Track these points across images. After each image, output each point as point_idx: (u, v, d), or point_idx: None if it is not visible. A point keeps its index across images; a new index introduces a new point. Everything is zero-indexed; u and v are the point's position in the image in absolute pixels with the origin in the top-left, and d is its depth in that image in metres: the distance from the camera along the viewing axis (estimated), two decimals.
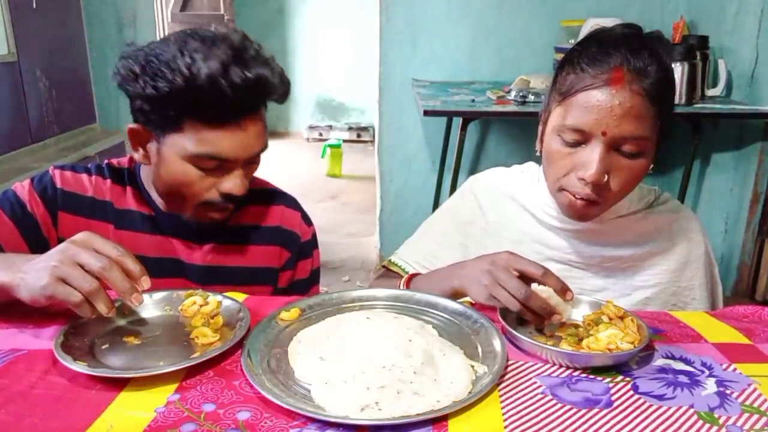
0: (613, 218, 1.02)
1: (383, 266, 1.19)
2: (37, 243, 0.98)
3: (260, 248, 1.10)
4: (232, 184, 0.95)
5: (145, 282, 0.75)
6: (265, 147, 0.99)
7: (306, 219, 1.16)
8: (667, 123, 0.93)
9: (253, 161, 0.99)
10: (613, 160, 0.90)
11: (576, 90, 0.90)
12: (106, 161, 1.08)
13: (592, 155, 0.89)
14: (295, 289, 1.14)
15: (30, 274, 0.73)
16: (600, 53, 0.90)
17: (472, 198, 1.14)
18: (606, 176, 0.89)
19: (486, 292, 0.85)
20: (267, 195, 1.14)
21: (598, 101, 0.87)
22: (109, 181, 1.05)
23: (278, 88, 0.95)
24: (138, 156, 1.00)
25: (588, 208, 0.93)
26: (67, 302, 0.71)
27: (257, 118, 0.95)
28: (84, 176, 1.04)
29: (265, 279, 1.11)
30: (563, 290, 0.83)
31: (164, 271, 1.03)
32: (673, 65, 2.33)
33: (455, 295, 0.92)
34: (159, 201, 1.04)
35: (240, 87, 0.88)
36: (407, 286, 1.02)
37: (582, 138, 0.90)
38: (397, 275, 1.11)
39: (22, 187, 1.00)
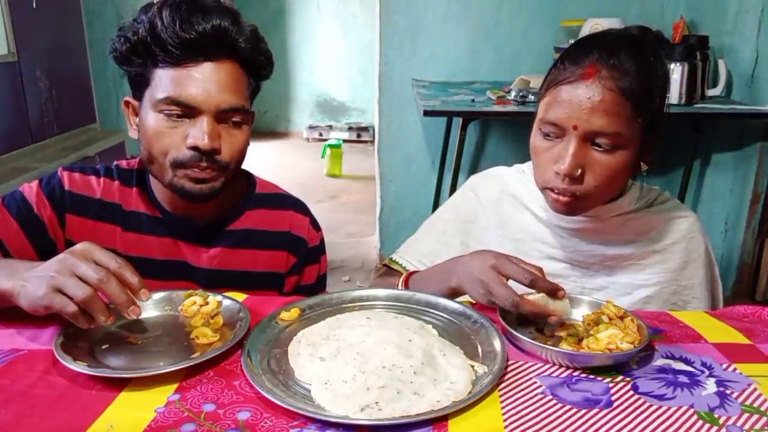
0: (613, 217, 1.02)
1: (384, 265, 1.19)
2: (44, 245, 0.98)
3: (267, 253, 1.09)
4: (196, 132, 0.91)
5: (144, 294, 0.74)
6: (241, 108, 0.95)
7: (314, 224, 1.15)
8: (653, 121, 0.93)
9: (224, 118, 0.94)
10: (588, 155, 0.91)
11: (554, 84, 0.93)
12: (115, 162, 1.08)
13: (566, 149, 0.91)
14: (301, 294, 1.13)
15: (30, 283, 0.73)
16: (579, 51, 0.92)
17: (473, 196, 1.15)
18: (579, 170, 0.91)
19: (484, 299, 0.86)
20: (276, 199, 1.13)
21: (571, 96, 0.90)
22: (117, 182, 1.04)
23: (238, 37, 0.94)
24: (132, 132, 1.00)
25: (570, 203, 0.94)
26: (64, 313, 0.71)
27: (222, 70, 0.93)
28: (92, 178, 1.04)
29: (270, 284, 1.10)
30: (554, 291, 0.82)
31: (171, 274, 1.03)
32: (673, 65, 2.33)
33: (454, 294, 0.92)
34: (167, 203, 1.04)
35: (191, 25, 0.90)
36: (406, 283, 1.03)
37: (558, 132, 0.92)
38: (398, 274, 1.11)
39: (29, 188, 1.00)
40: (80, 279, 0.71)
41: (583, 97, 0.89)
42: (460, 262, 0.92)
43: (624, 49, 0.90)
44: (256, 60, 0.99)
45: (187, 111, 0.92)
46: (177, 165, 0.93)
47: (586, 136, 0.90)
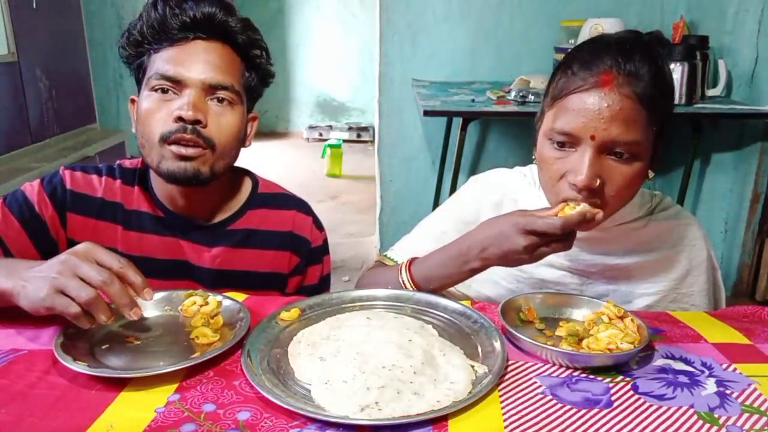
0: (614, 226, 1.00)
1: (377, 261, 1.18)
2: (45, 244, 0.98)
3: (270, 253, 1.09)
4: (180, 103, 0.93)
5: (147, 294, 0.74)
6: (229, 87, 0.96)
7: (317, 224, 1.15)
8: (664, 127, 0.91)
9: (211, 93, 0.95)
10: (605, 165, 0.87)
11: (565, 93, 0.89)
12: (117, 162, 1.08)
13: (582, 160, 0.86)
14: (303, 295, 1.13)
15: (31, 283, 0.73)
16: (590, 56, 0.88)
17: (473, 198, 1.13)
18: (598, 181, 0.87)
19: (530, 261, 0.86)
20: (279, 199, 1.13)
21: (587, 104, 0.86)
22: (119, 181, 1.05)
23: (228, 18, 0.96)
24: (134, 128, 1.00)
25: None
26: (65, 314, 0.71)
27: (212, 49, 0.96)
28: (94, 177, 1.04)
29: (273, 284, 1.10)
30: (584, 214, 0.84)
31: (172, 273, 1.03)
32: (673, 65, 2.31)
33: (474, 274, 0.92)
34: (168, 201, 1.04)
35: (183, 11, 0.94)
36: (409, 269, 0.98)
37: (571, 142, 0.88)
38: (392, 267, 1.09)
39: (31, 188, 1.00)
40: (83, 280, 0.71)
41: (601, 106, 0.85)
42: (476, 245, 0.89)
43: (637, 54, 0.87)
44: (249, 49, 1.00)
45: (175, 86, 0.94)
46: (163, 139, 0.93)
47: (603, 147, 0.86)
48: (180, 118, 0.92)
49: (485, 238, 0.89)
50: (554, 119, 0.90)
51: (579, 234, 0.98)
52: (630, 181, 0.89)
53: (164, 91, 0.94)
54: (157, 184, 1.04)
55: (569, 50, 0.95)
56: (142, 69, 0.98)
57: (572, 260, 1.02)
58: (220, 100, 0.96)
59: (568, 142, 0.89)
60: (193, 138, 0.93)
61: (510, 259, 0.87)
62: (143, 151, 0.97)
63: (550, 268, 1.03)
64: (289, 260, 1.11)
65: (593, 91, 0.86)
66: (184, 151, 0.93)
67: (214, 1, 0.96)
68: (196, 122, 0.93)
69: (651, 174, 0.94)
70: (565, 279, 1.03)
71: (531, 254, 0.85)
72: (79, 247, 0.75)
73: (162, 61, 0.95)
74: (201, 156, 0.95)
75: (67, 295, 0.70)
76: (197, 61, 0.94)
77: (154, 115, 0.94)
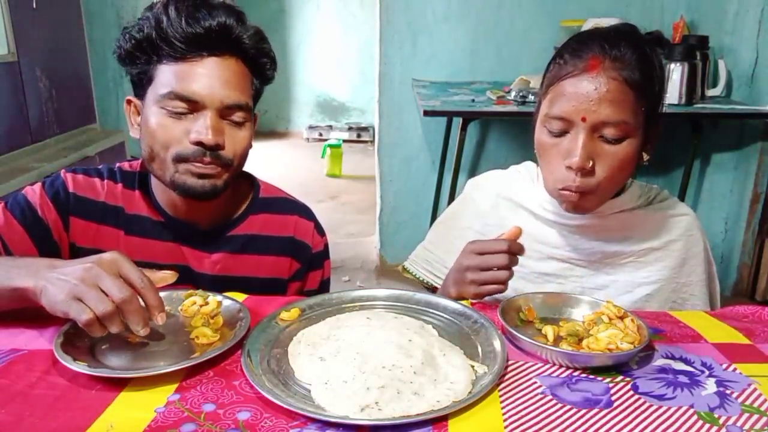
0: (612, 213, 1.03)
1: (402, 268, 1.24)
2: (48, 248, 0.97)
3: (271, 258, 1.09)
4: (199, 127, 0.91)
5: (161, 318, 0.73)
6: (244, 105, 0.95)
7: (319, 229, 1.15)
8: (654, 111, 0.95)
9: (227, 114, 0.94)
10: (598, 146, 0.92)
11: (557, 79, 0.94)
12: (117, 164, 1.07)
13: (575, 142, 0.92)
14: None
15: (52, 285, 0.71)
16: (579, 44, 0.94)
17: (470, 203, 1.17)
18: (591, 162, 0.91)
19: (473, 292, 0.92)
20: (280, 204, 1.12)
21: (577, 89, 0.91)
22: (120, 185, 1.03)
23: (242, 34, 0.94)
24: (133, 132, 0.99)
25: (583, 198, 0.95)
26: (78, 320, 0.70)
27: (226, 66, 0.93)
28: (96, 180, 1.03)
29: (273, 289, 1.09)
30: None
31: None
32: (673, 65, 2.34)
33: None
34: (168, 206, 1.03)
35: (197, 21, 0.91)
36: None
37: (565, 126, 0.93)
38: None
39: (33, 191, 0.98)
40: (103, 292, 0.70)
41: (589, 89, 0.90)
42: (447, 277, 0.99)
43: (623, 41, 0.92)
44: (259, 59, 0.99)
45: (191, 106, 0.92)
46: (179, 160, 0.92)
47: (594, 128, 0.91)
48: (199, 143, 0.91)
49: (450, 278, 0.98)
50: (548, 106, 0.95)
51: (579, 222, 1.02)
52: (620, 162, 0.93)
53: (178, 111, 0.92)
54: (159, 190, 1.03)
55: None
56: (146, 77, 0.95)
57: (573, 250, 1.04)
58: (235, 120, 0.95)
59: (562, 126, 0.93)
60: (212, 161, 0.93)
61: (458, 280, 0.95)
62: (152, 164, 0.96)
63: (552, 261, 1.05)
64: (290, 266, 1.10)
65: (582, 76, 0.91)
66: (202, 168, 0.92)
67: (229, 10, 0.93)
68: (216, 147, 0.92)
69: (645, 157, 0.98)
70: (566, 272, 1.05)
71: (471, 279, 0.92)
72: (106, 256, 0.73)
73: (174, 77, 0.91)
74: (218, 174, 0.94)
75: (84, 303, 0.69)
76: (213, 79, 0.92)
77: (167, 133, 0.92)
